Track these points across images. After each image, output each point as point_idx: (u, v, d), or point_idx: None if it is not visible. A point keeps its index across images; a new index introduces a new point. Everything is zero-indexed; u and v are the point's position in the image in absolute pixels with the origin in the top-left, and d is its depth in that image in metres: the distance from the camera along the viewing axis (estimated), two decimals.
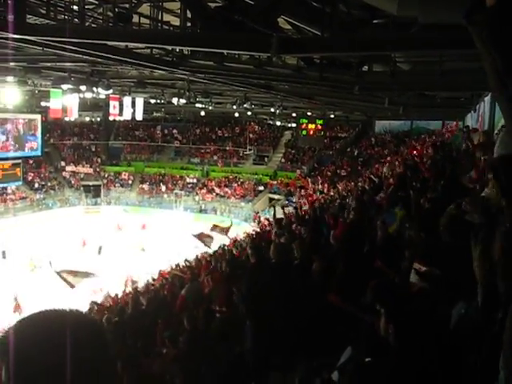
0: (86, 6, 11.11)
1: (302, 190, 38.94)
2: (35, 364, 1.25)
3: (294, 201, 38.81)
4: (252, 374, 6.09)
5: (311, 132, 39.27)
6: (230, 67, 13.88)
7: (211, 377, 6.20)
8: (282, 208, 18.61)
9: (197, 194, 51.06)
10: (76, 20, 11.02)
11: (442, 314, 3.60)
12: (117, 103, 27.34)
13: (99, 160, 56.47)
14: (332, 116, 41.24)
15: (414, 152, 21.39)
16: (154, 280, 21.06)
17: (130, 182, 54.25)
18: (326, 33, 8.27)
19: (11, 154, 19.17)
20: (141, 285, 21.31)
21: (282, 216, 15.63)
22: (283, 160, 52.46)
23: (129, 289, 23.55)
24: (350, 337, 4.45)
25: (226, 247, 20.13)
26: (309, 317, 5.56)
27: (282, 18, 9.06)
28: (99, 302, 18.21)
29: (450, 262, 3.78)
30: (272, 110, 33.07)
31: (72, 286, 16.77)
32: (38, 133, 20.11)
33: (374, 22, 8.89)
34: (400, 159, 20.79)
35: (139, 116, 29.15)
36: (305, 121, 39.61)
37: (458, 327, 3.33)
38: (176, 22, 11.34)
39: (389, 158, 28.05)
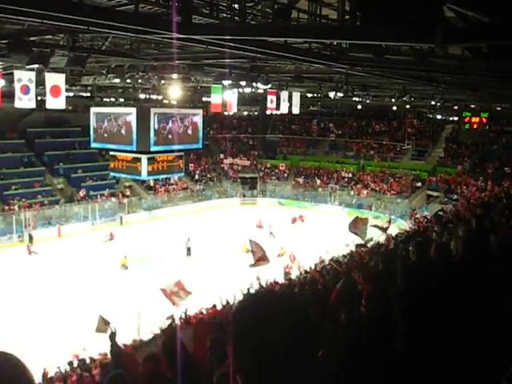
0: (246, 4, 11.34)
1: (464, 187, 37.15)
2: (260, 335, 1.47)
3: (454, 198, 37.15)
4: (407, 379, 5.83)
5: (475, 125, 37.24)
6: (389, 59, 13.49)
7: (366, 378, 6.03)
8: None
9: (352, 188, 50.60)
10: (236, 18, 11.29)
11: None
12: (274, 97, 27.77)
13: (256, 153, 57.97)
14: (498, 108, 38.76)
15: None
16: (306, 272, 21.19)
17: (286, 175, 55.06)
18: (494, 19, 7.69)
19: (175, 147, 20.10)
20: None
21: (442, 213, 14.95)
22: (443, 155, 50.26)
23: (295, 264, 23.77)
24: None
25: (380, 243, 19.73)
26: (473, 321, 5.19)
27: (446, 6, 8.58)
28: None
29: None
30: (432, 102, 31.74)
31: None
32: (200, 127, 20.93)
33: None
34: None
35: (296, 110, 29.36)
36: (468, 114, 37.66)
37: None
38: (334, 15, 11.20)
39: None
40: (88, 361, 16.41)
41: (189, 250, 33.16)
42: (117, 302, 23.79)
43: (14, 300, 24.96)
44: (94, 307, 22.06)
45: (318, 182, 52.41)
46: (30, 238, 35.81)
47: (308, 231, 38.16)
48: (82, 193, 44.27)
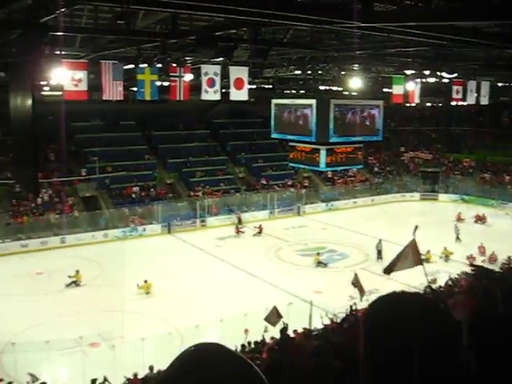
0: None
1: None
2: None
3: None
4: None
5: None
6: None
7: None
8: None
9: None
10: (420, 4, 10.75)
11: None
12: (460, 87, 26.26)
13: (439, 146, 55.49)
14: None
15: None
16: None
17: (471, 170, 52.02)
18: None
19: (354, 139, 19.87)
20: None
21: None
22: None
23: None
24: None
25: None
26: None
27: None
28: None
29: None
30: None
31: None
32: (380, 118, 20.44)
33: None
34: None
35: (484, 101, 27.48)
36: None
37: None
38: None
39: None
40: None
41: (379, 252, 30.41)
42: (290, 290, 24.23)
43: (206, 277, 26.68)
44: (270, 294, 22.74)
45: (507, 178, 48.75)
46: (239, 220, 38.50)
47: (492, 232, 35.68)
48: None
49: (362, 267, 28.65)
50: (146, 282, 24.69)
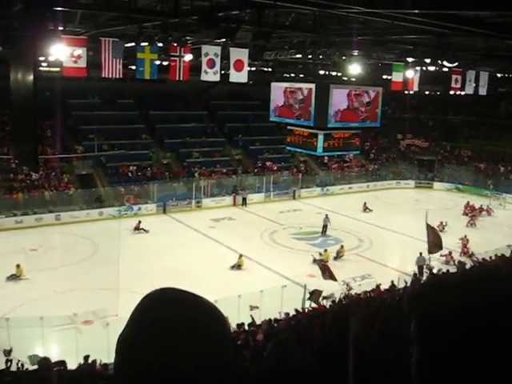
0: None
1: None
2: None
3: None
4: None
5: None
6: None
7: None
8: None
9: None
10: None
11: None
12: (459, 77, 26.27)
13: (435, 135, 55.50)
14: None
15: None
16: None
17: (466, 159, 52.09)
18: None
19: (352, 125, 19.86)
20: None
21: None
22: None
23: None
24: None
25: None
26: None
27: None
28: None
29: None
30: None
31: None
32: (379, 105, 20.43)
33: None
34: None
35: (483, 91, 27.50)
36: None
37: None
38: None
39: None
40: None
41: (325, 227, 32.85)
42: (284, 273, 24.41)
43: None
44: (264, 276, 22.84)
45: (502, 169, 48.84)
46: (244, 200, 40.18)
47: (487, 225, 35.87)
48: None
49: (356, 252, 28.91)
50: None
